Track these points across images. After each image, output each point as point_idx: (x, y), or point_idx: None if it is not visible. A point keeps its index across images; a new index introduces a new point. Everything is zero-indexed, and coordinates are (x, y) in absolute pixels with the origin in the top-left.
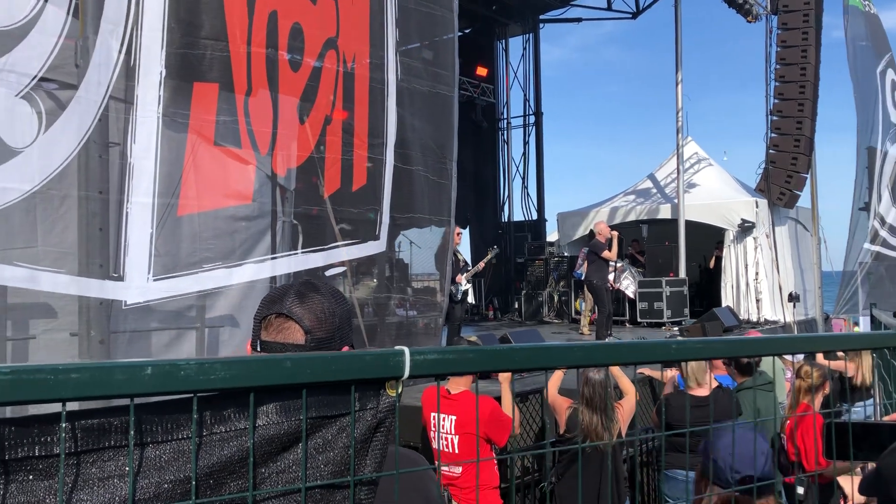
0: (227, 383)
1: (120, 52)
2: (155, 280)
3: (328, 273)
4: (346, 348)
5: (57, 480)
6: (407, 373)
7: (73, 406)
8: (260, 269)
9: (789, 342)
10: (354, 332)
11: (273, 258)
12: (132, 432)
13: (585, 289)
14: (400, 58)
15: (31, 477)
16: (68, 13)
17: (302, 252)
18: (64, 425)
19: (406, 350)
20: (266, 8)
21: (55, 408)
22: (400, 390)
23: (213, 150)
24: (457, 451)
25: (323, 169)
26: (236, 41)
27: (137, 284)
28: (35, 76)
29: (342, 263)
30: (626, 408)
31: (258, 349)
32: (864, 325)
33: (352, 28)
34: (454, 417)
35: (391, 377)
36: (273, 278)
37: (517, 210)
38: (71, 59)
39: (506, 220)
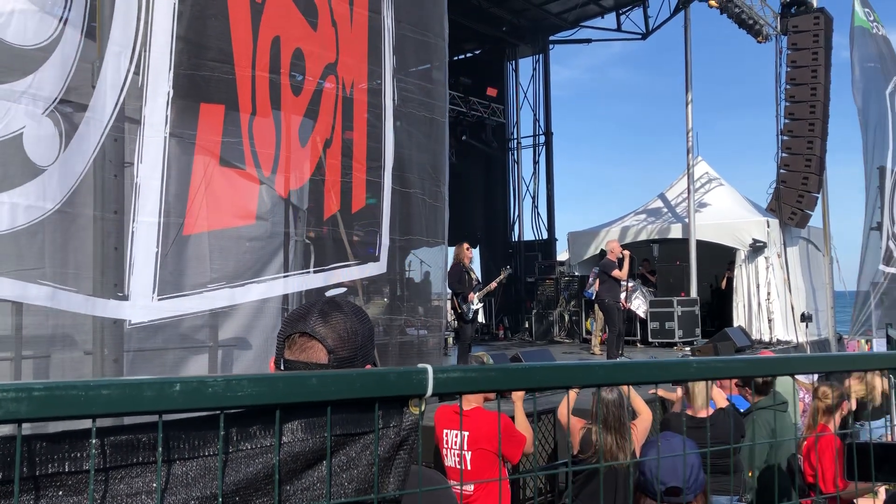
0: (254, 400)
1: (128, 72)
2: (160, 299)
3: (328, 294)
4: (368, 367)
5: (86, 496)
6: (430, 391)
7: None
8: (263, 290)
9: (809, 361)
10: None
11: (273, 279)
12: (160, 449)
13: (596, 308)
14: (396, 83)
15: (60, 493)
16: (82, 34)
17: (301, 273)
18: (94, 441)
19: (429, 368)
20: (270, 33)
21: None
22: (423, 408)
23: (219, 169)
24: (469, 467)
25: (323, 191)
26: (242, 64)
27: (142, 304)
28: (57, 97)
29: (341, 284)
30: (641, 428)
31: (282, 368)
32: (877, 347)
33: (351, 54)
34: (467, 433)
35: (414, 395)
36: (281, 298)
37: (527, 229)
38: (87, 81)
39: (516, 239)
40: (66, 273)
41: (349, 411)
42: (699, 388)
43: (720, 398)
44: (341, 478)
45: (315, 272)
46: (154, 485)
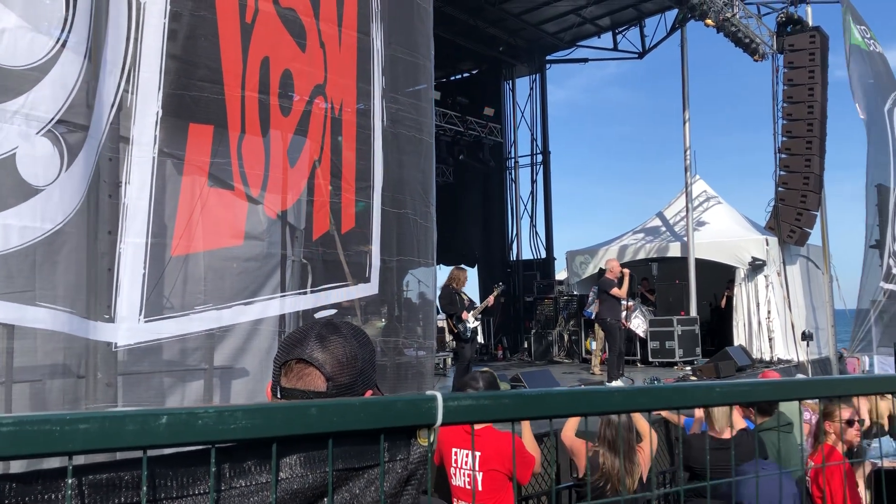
0: (249, 433)
1: (118, 91)
2: (147, 321)
3: (318, 315)
4: (369, 392)
5: None
6: (440, 420)
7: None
8: (255, 311)
9: (830, 384)
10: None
11: (264, 300)
12: (144, 488)
13: (596, 328)
14: (385, 104)
15: None
16: (85, 57)
17: (292, 294)
18: (70, 481)
19: (438, 395)
20: (259, 54)
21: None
22: (432, 439)
23: (208, 190)
24: (480, 488)
25: (313, 212)
26: (231, 84)
27: (128, 326)
28: (54, 117)
29: (332, 306)
30: (647, 451)
31: (278, 396)
32: (879, 364)
33: (339, 75)
34: (479, 454)
35: (423, 425)
36: (277, 319)
37: (525, 248)
38: (84, 100)
39: (514, 258)
40: (64, 295)
41: (352, 443)
42: (721, 408)
43: (738, 419)
44: None
45: (304, 293)
46: None
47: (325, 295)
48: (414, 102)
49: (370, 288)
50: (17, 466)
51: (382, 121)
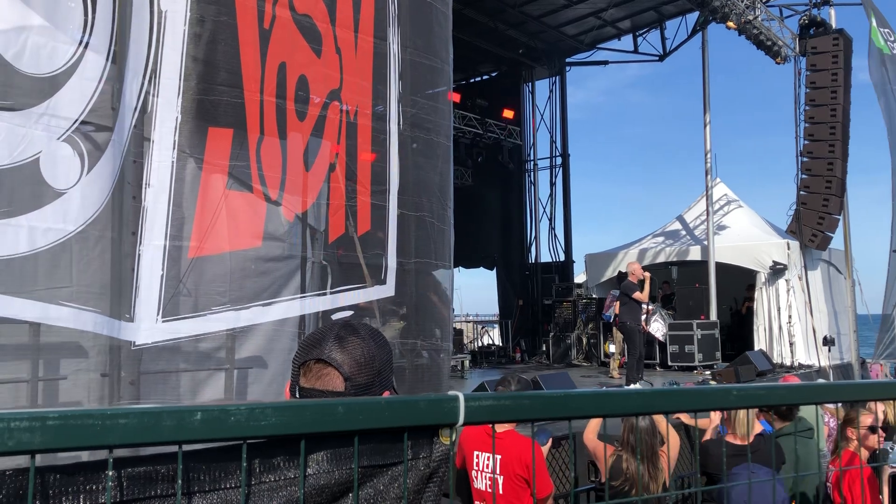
0: (278, 430)
1: (140, 95)
2: (164, 321)
3: (334, 317)
4: (386, 393)
5: None
6: (462, 419)
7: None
8: (273, 311)
9: (854, 389)
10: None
11: (280, 301)
12: (179, 481)
13: (615, 331)
14: (402, 108)
15: None
16: (107, 59)
17: (306, 296)
18: (111, 473)
19: (460, 396)
20: (277, 59)
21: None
22: (454, 438)
23: (226, 192)
24: (501, 491)
25: (328, 215)
26: (250, 89)
27: (147, 326)
28: (77, 119)
29: (351, 308)
30: (670, 456)
31: (297, 396)
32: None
33: (355, 80)
34: (499, 457)
35: (445, 424)
36: (297, 320)
37: (544, 251)
38: (108, 102)
39: (533, 261)
40: (87, 294)
41: (376, 441)
42: (742, 413)
43: (755, 423)
44: None
45: (323, 295)
46: None
47: (342, 296)
48: (431, 106)
49: (386, 290)
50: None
51: (399, 124)
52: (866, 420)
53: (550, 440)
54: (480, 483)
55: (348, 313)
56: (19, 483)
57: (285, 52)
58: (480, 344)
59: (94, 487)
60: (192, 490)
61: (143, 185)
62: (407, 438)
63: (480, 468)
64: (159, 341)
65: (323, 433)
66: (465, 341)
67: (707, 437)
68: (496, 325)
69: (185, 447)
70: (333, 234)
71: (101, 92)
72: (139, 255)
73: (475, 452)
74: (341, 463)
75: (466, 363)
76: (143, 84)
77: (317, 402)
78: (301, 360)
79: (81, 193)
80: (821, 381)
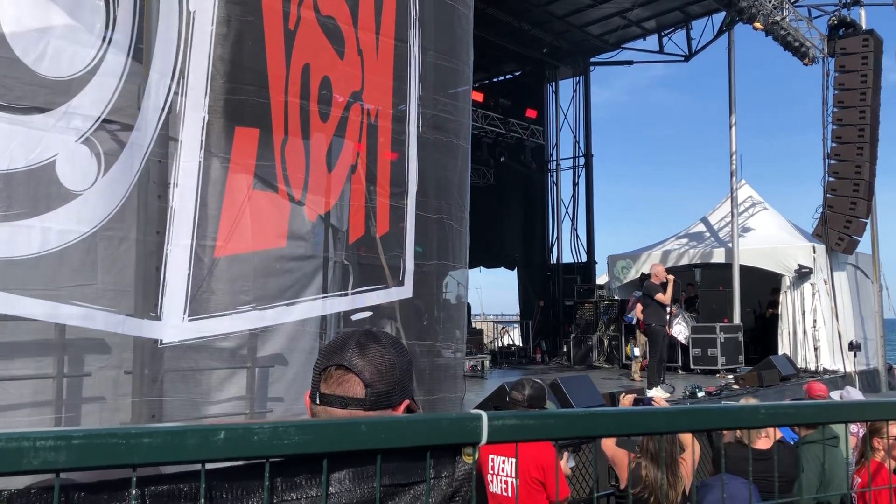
0: (301, 448)
1: (168, 95)
2: (190, 320)
3: (354, 318)
4: (406, 402)
5: None
6: (485, 439)
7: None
8: (296, 312)
9: (882, 407)
10: None
11: (307, 300)
12: (202, 500)
13: (637, 333)
14: (421, 109)
15: None
16: (128, 56)
17: (332, 296)
18: (134, 492)
19: (483, 415)
20: (301, 60)
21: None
22: (477, 457)
23: (252, 193)
24: (517, 495)
25: (348, 216)
26: (276, 89)
27: (173, 324)
28: (98, 118)
29: (370, 309)
30: (690, 463)
31: (317, 402)
32: None
33: (376, 82)
34: (514, 460)
35: (468, 443)
36: (318, 320)
37: (566, 252)
38: (129, 101)
39: (554, 261)
40: (102, 293)
41: (398, 460)
42: None
43: (770, 429)
44: None
45: (344, 295)
46: None
47: (361, 297)
48: (451, 107)
49: (405, 291)
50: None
51: (418, 126)
52: (893, 430)
53: (566, 455)
54: (496, 487)
55: (368, 314)
56: (44, 501)
57: (310, 54)
58: (500, 344)
59: None
60: None
61: (172, 185)
62: (430, 457)
63: (496, 472)
64: (186, 339)
65: (345, 451)
66: (486, 341)
67: (726, 440)
68: (517, 326)
69: (208, 465)
70: (354, 234)
71: (121, 90)
72: (166, 254)
73: (490, 456)
74: (363, 482)
75: (486, 363)
76: (171, 83)
77: (339, 421)
78: (322, 365)
79: (97, 195)
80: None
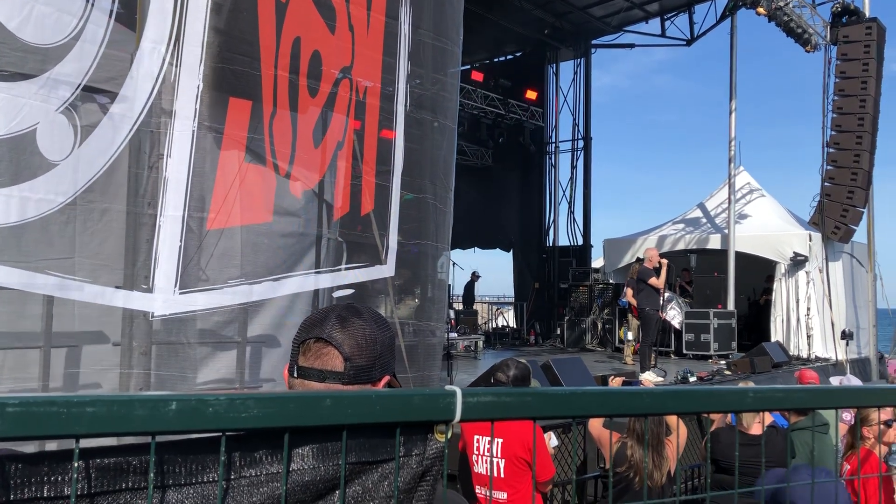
0: (260, 422)
1: (163, 63)
2: (181, 293)
3: (335, 294)
4: (386, 378)
5: None
6: (458, 416)
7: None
8: (284, 287)
9: (872, 394)
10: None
11: (296, 276)
12: (152, 474)
13: (630, 317)
14: (410, 88)
15: None
16: (110, 18)
17: (320, 272)
18: (77, 464)
19: (458, 391)
20: (292, 33)
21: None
22: (450, 435)
23: (244, 166)
24: (503, 475)
25: (333, 193)
26: (266, 62)
27: (164, 297)
28: (78, 85)
29: (345, 286)
30: (676, 445)
31: (295, 375)
32: None
33: (365, 58)
34: (500, 440)
35: (441, 420)
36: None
37: (563, 235)
38: (119, 71)
39: (550, 244)
40: (82, 264)
41: (366, 436)
42: None
43: (767, 414)
44: None
45: (330, 272)
46: None
47: (344, 275)
48: (439, 87)
49: (386, 270)
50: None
51: (406, 105)
52: (883, 416)
53: (550, 434)
54: (481, 467)
55: (349, 292)
56: None
57: (301, 27)
58: (495, 325)
59: (59, 479)
60: (166, 483)
61: (165, 156)
62: (399, 434)
63: (481, 452)
64: (177, 313)
65: (309, 427)
66: (480, 322)
67: (716, 425)
68: (511, 307)
69: (161, 438)
70: (340, 212)
71: (106, 57)
72: (159, 225)
73: (475, 436)
74: (328, 458)
75: (480, 344)
76: (164, 54)
77: (302, 393)
78: (301, 338)
79: (78, 164)
80: (839, 379)
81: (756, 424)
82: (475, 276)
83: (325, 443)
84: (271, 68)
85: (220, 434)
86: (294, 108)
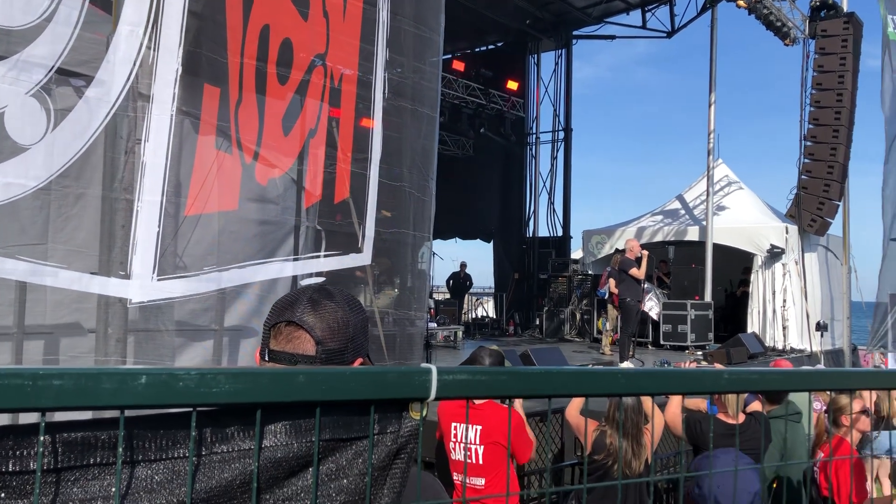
0: (232, 398)
1: (140, 49)
2: (159, 280)
3: (305, 282)
4: (359, 360)
5: (32, 501)
6: (433, 394)
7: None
8: (260, 273)
9: (844, 377)
10: (373, 342)
11: (268, 262)
12: (121, 448)
13: (608, 308)
14: (388, 76)
15: (2, 494)
16: (83, 2)
17: (301, 258)
18: (42, 438)
19: (433, 368)
20: (260, 21)
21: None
22: (425, 413)
23: (218, 153)
24: (482, 461)
25: (303, 180)
26: (233, 50)
27: (141, 284)
28: (52, 67)
29: (320, 274)
30: (655, 434)
31: (266, 359)
32: (893, 362)
33: (341, 45)
34: (479, 427)
35: (415, 398)
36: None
37: (542, 226)
38: (93, 54)
39: (530, 235)
40: (55, 249)
41: (340, 414)
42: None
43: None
44: (329, 488)
45: (307, 259)
46: (113, 489)
47: (319, 262)
48: (418, 75)
49: (362, 258)
50: None
51: (384, 92)
52: (856, 406)
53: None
54: (458, 454)
55: (319, 279)
56: None
57: (270, 14)
58: (474, 315)
59: (24, 453)
60: (135, 459)
61: (143, 141)
62: (374, 412)
63: (458, 439)
64: (154, 300)
65: (281, 403)
66: (463, 311)
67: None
68: (491, 298)
69: (130, 413)
70: (313, 199)
71: (79, 40)
72: (137, 211)
73: (452, 424)
74: (301, 435)
75: (459, 334)
76: (142, 38)
77: (276, 370)
78: (272, 322)
79: (50, 148)
80: (815, 367)
81: (741, 414)
82: (463, 267)
83: (297, 420)
84: (237, 56)
85: (191, 409)
86: (262, 94)
